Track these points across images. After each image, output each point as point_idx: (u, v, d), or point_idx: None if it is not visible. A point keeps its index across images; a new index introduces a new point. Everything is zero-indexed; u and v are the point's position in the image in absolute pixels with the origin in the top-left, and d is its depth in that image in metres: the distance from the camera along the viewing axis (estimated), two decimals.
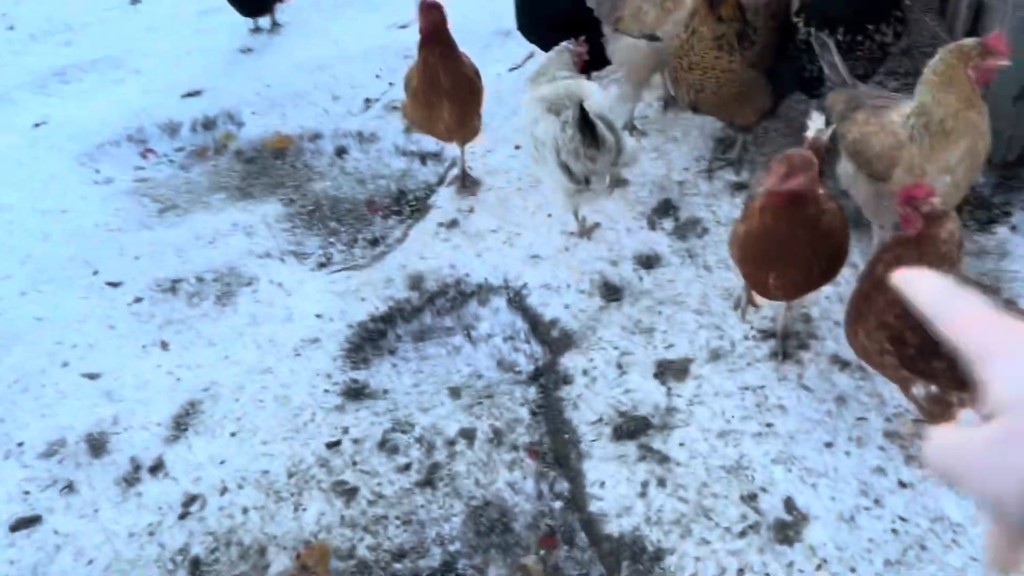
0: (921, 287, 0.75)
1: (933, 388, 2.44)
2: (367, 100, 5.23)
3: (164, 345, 3.65)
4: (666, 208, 3.87)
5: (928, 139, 2.85)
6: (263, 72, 5.51)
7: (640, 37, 3.93)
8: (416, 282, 3.79)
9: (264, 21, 6.05)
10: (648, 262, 3.63)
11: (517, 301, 3.66)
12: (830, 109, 3.28)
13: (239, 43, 5.90)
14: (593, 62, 4.54)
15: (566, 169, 3.35)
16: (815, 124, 2.86)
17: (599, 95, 3.50)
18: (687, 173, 4.03)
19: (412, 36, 5.67)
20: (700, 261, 3.59)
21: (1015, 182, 3.67)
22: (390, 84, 5.26)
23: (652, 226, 3.80)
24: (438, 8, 3.77)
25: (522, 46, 5.19)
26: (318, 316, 3.67)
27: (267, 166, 4.75)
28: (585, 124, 3.20)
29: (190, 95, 5.41)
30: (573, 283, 3.60)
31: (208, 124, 5.18)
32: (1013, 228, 3.46)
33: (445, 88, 3.81)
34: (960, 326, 0.71)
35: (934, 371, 2.42)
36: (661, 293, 3.48)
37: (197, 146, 5.09)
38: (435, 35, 3.78)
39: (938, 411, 2.47)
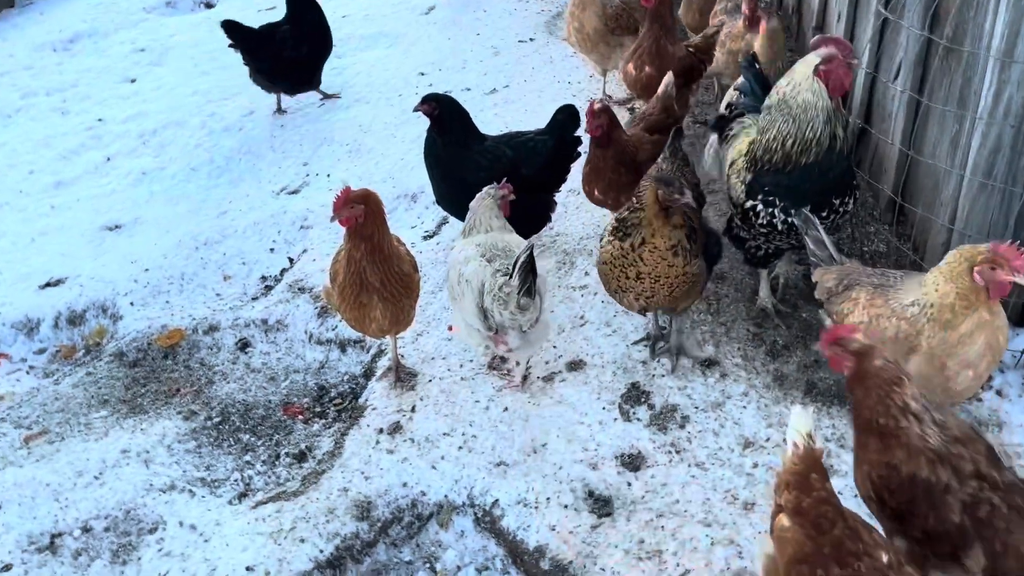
0: None
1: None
2: (264, 279, 4.67)
3: None
4: (636, 394, 3.51)
5: (936, 329, 2.67)
6: (138, 252, 4.85)
7: None
8: (364, 510, 3.20)
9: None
10: (633, 463, 3.23)
11: (488, 522, 3.14)
12: (820, 286, 3.07)
13: (103, 219, 5.20)
14: (534, 220, 4.23)
15: (483, 315, 3.30)
16: (797, 427, 2.22)
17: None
18: (647, 350, 3.70)
19: (306, 202, 5.27)
20: (689, 457, 3.22)
21: None
22: (290, 260, 4.74)
23: (626, 417, 3.42)
24: (363, 200, 3.29)
25: (431, 210, 4.86)
26: (249, 570, 3.00)
27: (156, 369, 4.06)
28: (530, 270, 3.17)
29: (49, 285, 4.66)
30: (553, 495, 3.13)
31: (75, 319, 4.45)
32: (999, 393, 3.32)
33: (375, 287, 3.35)
34: None
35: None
36: (657, 502, 3.07)
37: (63, 346, 4.33)
38: (358, 230, 3.32)
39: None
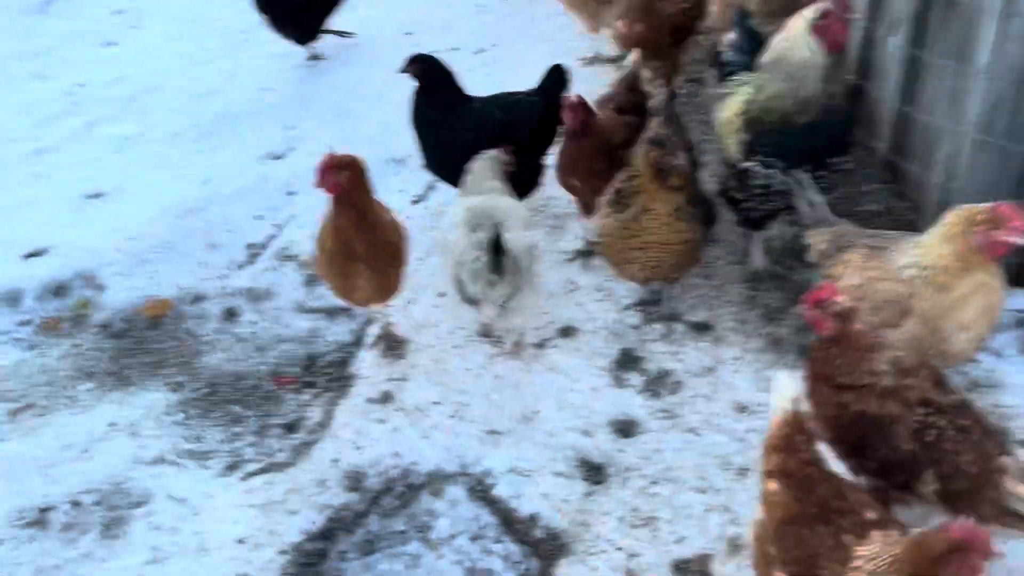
0: None
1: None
2: (250, 246, 4.59)
3: None
4: (629, 360, 3.47)
5: (931, 291, 2.63)
6: (121, 221, 4.75)
7: None
8: (355, 480, 3.17)
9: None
10: (625, 429, 3.20)
11: (481, 491, 3.12)
12: (813, 248, 3.02)
13: (85, 187, 5.09)
14: (524, 185, 4.14)
15: (459, 285, 3.32)
16: (784, 393, 2.25)
17: (521, 229, 3.32)
18: (640, 315, 3.65)
19: (291, 168, 5.17)
20: (683, 423, 3.19)
21: None
22: (276, 227, 4.65)
23: (619, 383, 3.38)
24: (347, 165, 3.21)
25: (418, 174, 4.76)
26: (240, 542, 2.98)
27: (143, 340, 3.99)
28: (496, 249, 3.11)
29: (33, 255, 4.56)
30: (546, 463, 3.11)
31: (59, 290, 4.36)
32: (996, 354, 3.29)
33: (361, 255, 3.28)
34: None
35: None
36: (650, 468, 3.04)
37: (47, 318, 4.26)
38: (343, 197, 3.24)
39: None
